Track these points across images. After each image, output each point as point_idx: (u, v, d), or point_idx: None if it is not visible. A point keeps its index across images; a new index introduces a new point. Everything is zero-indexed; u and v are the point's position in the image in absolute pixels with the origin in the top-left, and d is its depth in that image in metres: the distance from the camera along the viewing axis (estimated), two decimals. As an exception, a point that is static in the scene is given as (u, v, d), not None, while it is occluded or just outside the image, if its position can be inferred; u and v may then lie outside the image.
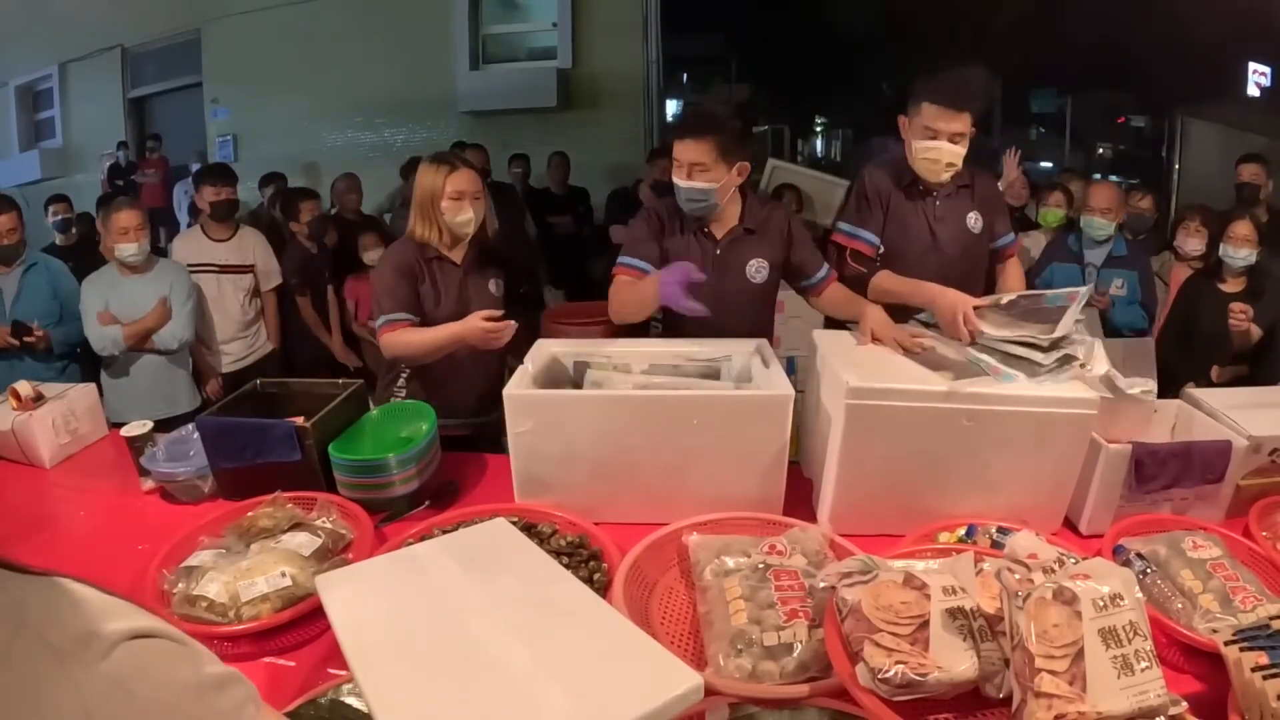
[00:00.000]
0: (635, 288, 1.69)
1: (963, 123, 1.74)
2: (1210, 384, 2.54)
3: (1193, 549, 1.14)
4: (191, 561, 1.21)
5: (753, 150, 1.78)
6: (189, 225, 4.80)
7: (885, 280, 1.81)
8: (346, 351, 3.61)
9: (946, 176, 1.81)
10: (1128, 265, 2.90)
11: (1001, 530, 1.22)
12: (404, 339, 1.74)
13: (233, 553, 1.22)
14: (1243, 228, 2.63)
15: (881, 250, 1.88)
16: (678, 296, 1.52)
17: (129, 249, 2.55)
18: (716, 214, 1.76)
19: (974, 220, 1.91)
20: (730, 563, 1.09)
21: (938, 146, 1.74)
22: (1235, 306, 2.53)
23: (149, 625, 0.48)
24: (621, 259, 1.78)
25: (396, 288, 1.79)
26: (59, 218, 3.78)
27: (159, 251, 2.88)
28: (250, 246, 3.19)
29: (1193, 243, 2.98)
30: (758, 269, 1.79)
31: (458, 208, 1.79)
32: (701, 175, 1.67)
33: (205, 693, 0.49)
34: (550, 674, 0.71)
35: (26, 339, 2.45)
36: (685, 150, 1.66)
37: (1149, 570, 1.12)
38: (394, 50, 6.10)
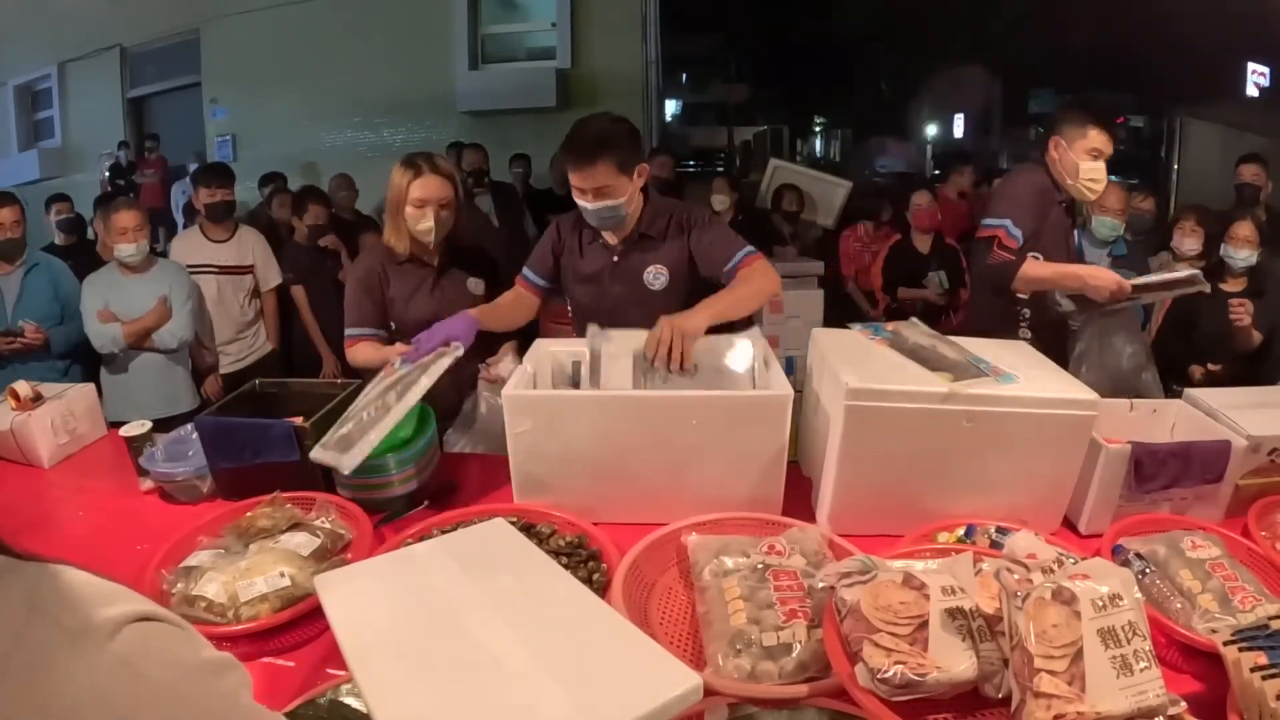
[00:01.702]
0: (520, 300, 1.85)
1: None
2: (1206, 383, 2.54)
3: (1192, 549, 1.13)
4: (190, 562, 1.20)
5: (643, 149, 1.76)
6: (184, 226, 4.80)
7: (1036, 268, 1.86)
8: (337, 365, 3.54)
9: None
10: (1129, 266, 2.91)
11: (1000, 530, 1.21)
12: (364, 356, 1.81)
13: (231, 553, 1.22)
14: (1244, 228, 2.63)
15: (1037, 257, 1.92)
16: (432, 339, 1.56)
17: (127, 249, 2.55)
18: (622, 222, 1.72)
19: None
20: (729, 563, 1.09)
21: (1101, 168, 1.83)
22: (1234, 302, 2.54)
23: (151, 609, 0.50)
24: (523, 270, 1.87)
25: (361, 302, 1.84)
26: (62, 217, 3.77)
27: (155, 252, 2.88)
28: (249, 247, 3.18)
29: (1189, 243, 2.98)
30: (655, 275, 1.73)
31: (419, 215, 1.76)
32: (608, 195, 1.62)
33: (206, 674, 0.51)
34: (549, 674, 0.71)
35: (23, 340, 2.44)
36: (586, 178, 1.60)
37: (1148, 570, 1.12)
38: (393, 50, 6.11)
